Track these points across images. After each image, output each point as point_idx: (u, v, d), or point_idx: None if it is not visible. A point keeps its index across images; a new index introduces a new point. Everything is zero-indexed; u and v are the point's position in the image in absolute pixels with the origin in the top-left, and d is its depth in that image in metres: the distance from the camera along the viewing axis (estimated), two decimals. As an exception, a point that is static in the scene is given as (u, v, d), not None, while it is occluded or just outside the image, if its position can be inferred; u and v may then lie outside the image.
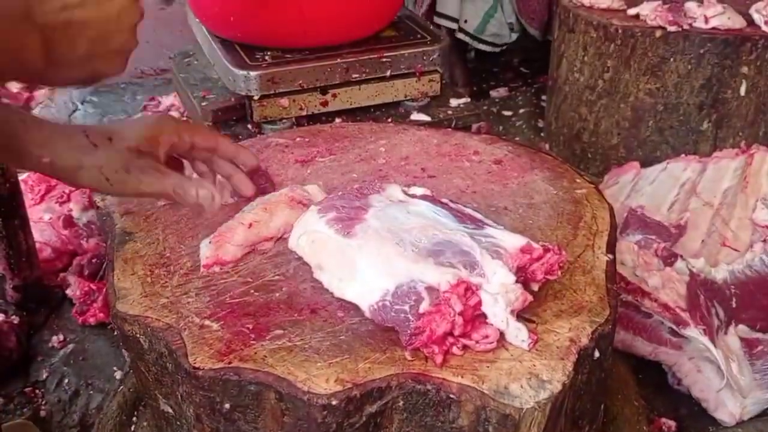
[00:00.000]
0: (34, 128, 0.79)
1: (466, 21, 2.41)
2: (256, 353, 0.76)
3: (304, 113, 1.59)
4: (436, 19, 2.36)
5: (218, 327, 0.80)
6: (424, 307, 0.73)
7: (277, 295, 0.85)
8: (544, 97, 2.39)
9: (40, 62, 0.66)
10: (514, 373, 0.74)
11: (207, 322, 0.80)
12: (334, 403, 0.71)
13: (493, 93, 2.57)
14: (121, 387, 1.20)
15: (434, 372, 0.74)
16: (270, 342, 0.77)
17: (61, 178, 0.82)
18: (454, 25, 2.38)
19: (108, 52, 0.71)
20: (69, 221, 1.48)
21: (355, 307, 0.83)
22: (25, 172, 1.05)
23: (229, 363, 0.74)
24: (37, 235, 1.41)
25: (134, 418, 1.15)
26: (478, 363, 0.75)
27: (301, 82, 1.56)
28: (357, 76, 1.60)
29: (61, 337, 1.34)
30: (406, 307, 0.74)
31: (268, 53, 1.59)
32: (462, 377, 0.73)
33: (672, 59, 1.76)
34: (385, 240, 0.80)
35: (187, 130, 0.88)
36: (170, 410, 0.86)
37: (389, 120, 1.65)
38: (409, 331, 0.73)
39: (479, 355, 0.76)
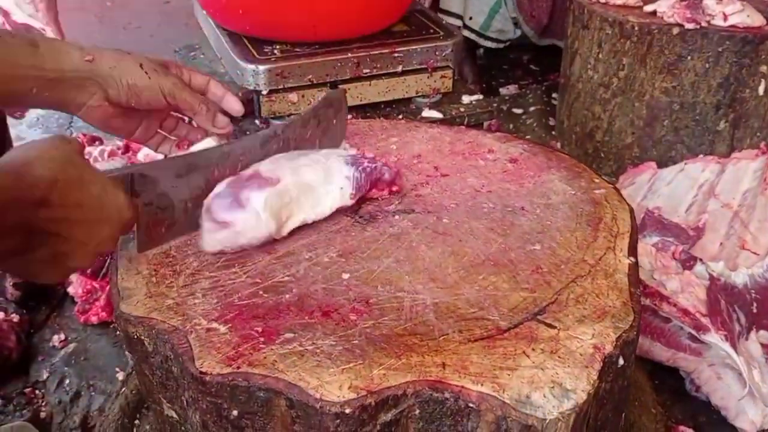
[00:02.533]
0: (74, 43, 0.90)
1: (471, 18, 2.37)
2: (265, 358, 0.72)
3: (313, 109, 1.56)
4: (440, 16, 2.31)
5: (226, 330, 0.76)
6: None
7: (287, 296, 0.82)
8: (555, 95, 2.36)
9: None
10: (537, 381, 0.71)
11: (214, 325, 0.77)
12: (347, 411, 0.68)
13: (503, 90, 2.53)
14: (124, 389, 1.17)
15: (453, 379, 0.70)
16: (280, 346, 0.74)
17: (101, 77, 0.89)
18: (458, 22, 2.34)
19: (62, 267, 0.74)
20: (72, 217, 1.45)
21: (369, 310, 0.80)
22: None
23: (238, 368, 0.71)
24: (39, 232, 1.38)
25: (137, 422, 1.12)
26: (498, 370, 0.72)
27: (310, 77, 1.53)
28: (367, 71, 1.57)
29: (63, 337, 1.31)
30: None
31: (277, 47, 1.55)
32: (482, 385, 0.70)
33: (689, 57, 1.72)
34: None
35: (188, 70, 1.01)
36: (174, 415, 0.82)
37: (400, 117, 1.62)
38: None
39: (499, 361, 0.73)
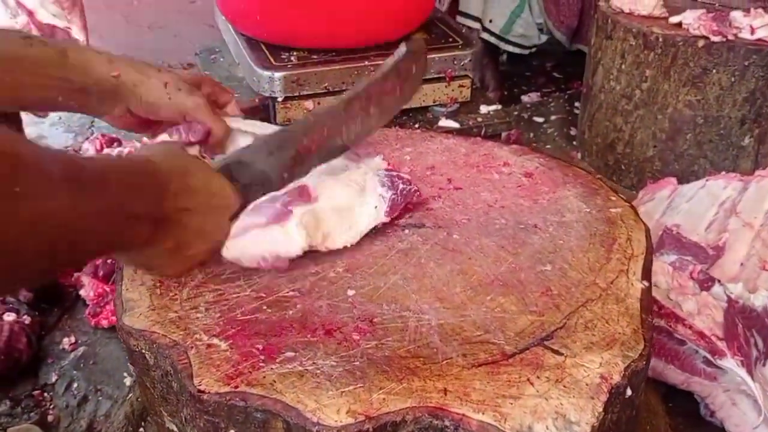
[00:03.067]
0: (103, 53, 0.90)
1: (491, 21, 2.34)
2: (264, 377, 0.71)
3: (328, 116, 1.55)
4: (459, 19, 2.29)
5: (227, 346, 0.76)
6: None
7: (291, 312, 0.81)
8: (577, 104, 2.32)
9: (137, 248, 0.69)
10: (540, 411, 0.69)
11: (215, 341, 0.76)
12: (344, 436, 0.66)
13: (525, 98, 2.50)
14: (130, 395, 1.17)
15: (454, 407, 0.69)
16: (280, 365, 0.73)
17: (124, 93, 0.90)
18: (476, 25, 2.31)
19: (184, 258, 0.75)
20: (87, 219, 1.46)
21: (373, 329, 0.78)
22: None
23: (236, 387, 0.70)
24: (53, 233, 1.39)
25: (141, 430, 1.12)
26: (501, 398, 0.70)
27: (326, 84, 1.52)
28: (384, 79, 1.55)
29: (73, 339, 1.31)
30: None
31: (294, 54, 1.55)
32: (483, 414, 0.68)
33: (714, 70, 1.69)
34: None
35: (212, 83, 1.02)
36: (175, 429, 0.82)
37: (416, 126, 1.61)
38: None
39: (503, 389, 0.71)
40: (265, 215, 0.84)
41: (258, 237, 0.83)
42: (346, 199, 0.91)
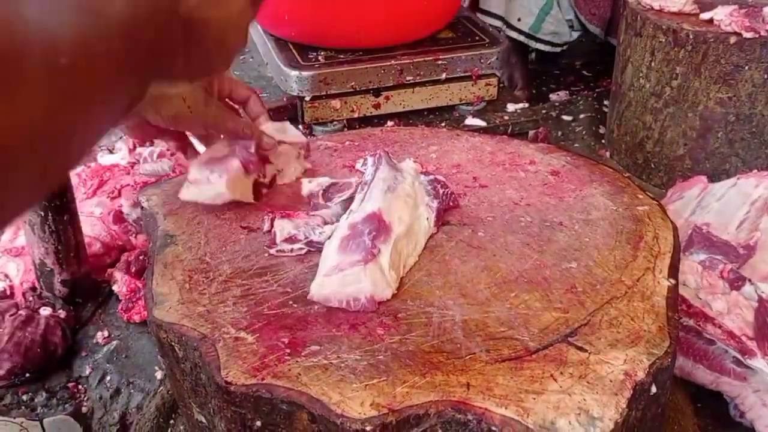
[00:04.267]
0: None
1: (519, 19, 2.31)
2: (290, 370, 0.73)
3: (355, 115, 1.57)
4: (480, 16, 2.27)
5: (253, 339, 0.77)
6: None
7: (316, 307, 0.82)
8: (606, 102, 2.30)
9: (179, 60, 0.62)
10: (563, 407, 0.69)
11: (242, 334, 0.78)
12: (368, 429, 0.67)
13: (553, 96, 2.48)
14: (161, 388, 1.20)
15: (477, 401, 0.69)
16: (305, 359, 0.74)
17: (142, 107, 0.88)
18: (498, 23, 2.29)
19: (223, 50, 0.72)
20: (119, 217, 1.49)
21: (397, 325, 0.79)
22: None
23: (262, 379, 0.72)
24: (87, 230, 1.42)
25: (171, 422, 1.14)
26: (524, 393, 0.70)
27: (353, 83, 1.53)
28: (411, 78, 1.56)
29: (106, 334, 1.34)
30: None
31: (322, 53, 1.56)
32: (506, 408, 0.69)
33: (747, 67, 1.66)
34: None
35: (229, 81, 1.00)
36: (204, 420, 0.84)
37: (443, 124, 1.61)
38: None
39: (525, 384, 0.71)
40: (356, 254, 0.83)
41: (351, 278, 0.82)
42: (408, 219, 0.91)
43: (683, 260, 1.28)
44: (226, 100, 1.02)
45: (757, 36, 1.63)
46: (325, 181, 1.04)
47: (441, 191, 0.99)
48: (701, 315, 1.20)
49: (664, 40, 1.76)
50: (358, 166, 1.12)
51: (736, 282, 1.23)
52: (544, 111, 2.34)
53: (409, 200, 0.93)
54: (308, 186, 1.03)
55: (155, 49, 0.54)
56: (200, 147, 1.04)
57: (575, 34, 2.44)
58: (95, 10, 0.44)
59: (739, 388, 1.16)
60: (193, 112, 0.90)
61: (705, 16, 1.73)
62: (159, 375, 1.25)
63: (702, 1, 1.81)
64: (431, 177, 1.01)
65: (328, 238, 0.89)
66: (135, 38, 0.49)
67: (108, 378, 1.25)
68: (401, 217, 0.89)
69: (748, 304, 1.20)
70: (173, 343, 0.80)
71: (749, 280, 1.23)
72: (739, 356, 1.15)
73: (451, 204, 1.00)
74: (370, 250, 0.83)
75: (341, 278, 0.82)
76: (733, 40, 1.65)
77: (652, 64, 1.81)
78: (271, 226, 0.96)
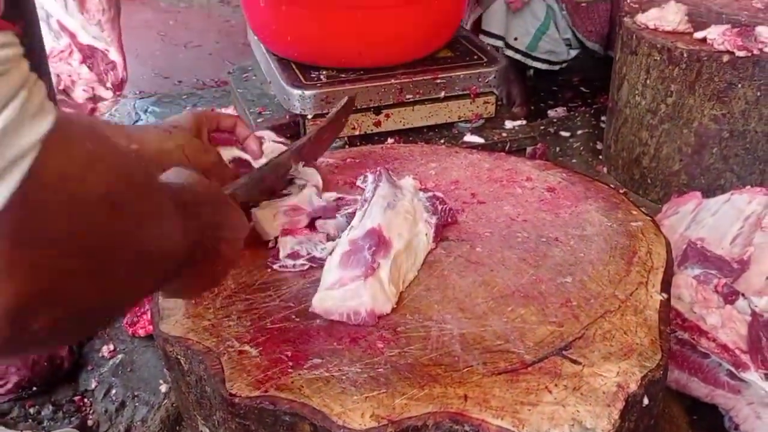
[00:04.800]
0: (116, 126, 0.93)
1: (516, 38, 2.36)
2: (293, 382, 0.75)
3: (356, 133, 1.60)
4: (482, 37, 2.31)
5: (257, 353, 0.79)
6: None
7: (318, 321, 0.85)
8: (603, 119, 2.33)
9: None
10: (557, 418, 0.71)
11: (246, 348, 0.80)
12: (368, 439, 0.70)
13: (551, 113, 2.52)
14: (165, 401, 1.22)
15: (474, 412, 0.72)
16: (308, 371, 0.77)
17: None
18: (499, 43, 2.33)
19: (208, 279, 0.76)
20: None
21: (396, 338, 0.81)
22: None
23: (266, 391, 0.74)
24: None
25: (175, 434, 1.16)
26: (519, 405, 0.73)
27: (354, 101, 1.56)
28: (411, 96, 1.60)
29: (112, 347, 1.36)
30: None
31: (324, 72, 1.60)
32: (502, 419, 0.71)
33: (740, 85, 1.69)
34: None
35: (213, 116, 1.05)
36: (208, 432, 0.86)
37: (442, 141, 1.64)
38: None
39: (521, 396, 0.74)
40: (356, 269, 0.85)
41: (352, 293, 0.84)
42: (408, 234, 0.93)
43: (678, 274, 1.30)
44: (215, 133, 1.04)
45: (749, 54, 1.66)
46: (330, 196, 1.06)
47: (440, 208, 1.01)
48: (696, 329, 1.22)
49: (658, 58, 1.79)
50: (358, 182, 1.14)
51: (730, 296, 1.25)
52: (542, 127, 2.37)
53: (409, 217, 0.96)
54: (315, 200, 1.05)
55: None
56: None
57: (573, 53, 2.48)
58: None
59: (733, 400, 1.18)
60: (192, 162, 0.93)
61: (699, 35, 1.76)
62: (163, 388, 1.27)
63: (696, 20, 1.85)
64: (430, 194, 1.04)
65: (330, 253, 0.92)
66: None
67: (113, 391, 1.27)
68: (401, 233, 0.92)
69: (741, 318, 1.22)
70: (179, 357, 0.83)
71: (743, 295, 1.25)
72: (732, 369, 1.17)
73: (449, 220, 1.03)
74: (370, 265, 0.85)
75: (342, 292, 0.84)
76: (726, 58, 1.69)
77: (648, 81, 1.84)
78: (275, 242, 0.98)
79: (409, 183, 1.04)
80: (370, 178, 1.03)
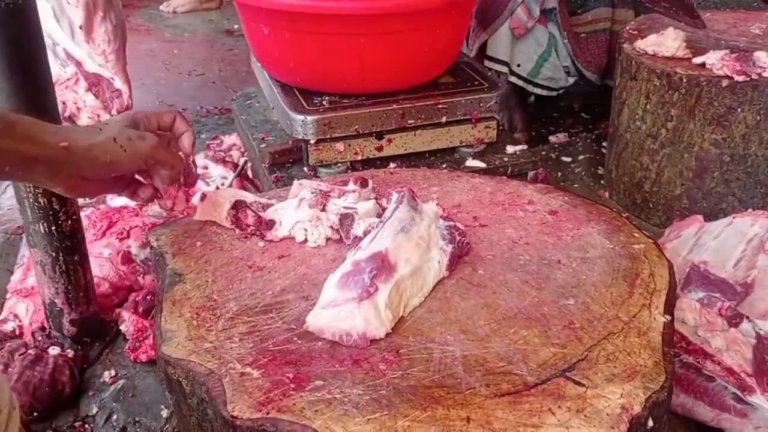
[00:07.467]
0: (46, 124, 0.90)
1: (519, 65, 2.39)
2: (294, 404, 0.75)
3: (359, 158, 1.60)
4: (487, 63, 2.33)
5: (259, 375, 0.79)
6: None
7: (320, 343, 0.85)
8: (604, 144, 2.34)
9: None
10: (561, 440, 0.71)
11: (248, 370, 0.80)
12: (370, 461, 0.69)
13: (552, 138, 2.53)
14: (167, 426, 1.21)
15: (476, 434, 0.71)
16: (309, 393, 0.76)
17: (77, 161, 0.90)
18: (504, 69, 2.36)
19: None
20: (127, 257, 1.52)
21: (398, 360, 0.81)
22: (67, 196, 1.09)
23: (267, 413, 0.74)
24: (96, 270, 1.45)
25: (177, 460, 1.15)
26: (522, 427, 0.72)
27: (356, 127, 1.57)
28: (412, 122, 1.61)
29: (113, 373, 1.36)
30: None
31: (326, 98, 1.61)
32: (505, 441, 0.70)
33: (739, 109, 1.70)
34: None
35: (153, 115, 1.04)
36: (209, 456, 0.85)
37: (444, 166, 1.65)
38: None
39: (524, 418, 0.73)
40: (353, 290, 0.85)
41: (345, 314, 0.84)
42: (417, 261, 0.93)
43: (682, 298, 1.30)
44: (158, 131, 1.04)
45: (748, 79, 1.68)
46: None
47: (458, 238, 1.00)
48: (700, 352, 1.21)
49: (658, 83, 1.80)
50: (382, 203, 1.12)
51: (735, 319, 1.25)
52: (543, 152, 2.38)
53: (422, 243, 0.95)
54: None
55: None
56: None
57: (571, 80, 2.51)
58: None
59: (739, 424, 1.17)
60: (128, 151, 0.94)
61: (697, 60, 1.78)
62: (165, 413, 1.26)
63: (694, 46, 1.87)
64: (451, 223, 1.02)
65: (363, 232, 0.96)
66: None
67: (114, 417, 1.27)
68: (409, 259, 0.92)
69: (746, 341, 1.21)
70: (181, 379, 0.82)
71: (747, 318, 1.25)
72: (738, 392, 1.16)
73: (464, 252, 1.02)
74: (366, 288, 0.86)
75: (335, 313, 0.85)
76: (725, 83, 1.70)
77: (648, 106, 1.85)
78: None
79: (431, 209, 1.03)
80: (394, 197, 1.03)
